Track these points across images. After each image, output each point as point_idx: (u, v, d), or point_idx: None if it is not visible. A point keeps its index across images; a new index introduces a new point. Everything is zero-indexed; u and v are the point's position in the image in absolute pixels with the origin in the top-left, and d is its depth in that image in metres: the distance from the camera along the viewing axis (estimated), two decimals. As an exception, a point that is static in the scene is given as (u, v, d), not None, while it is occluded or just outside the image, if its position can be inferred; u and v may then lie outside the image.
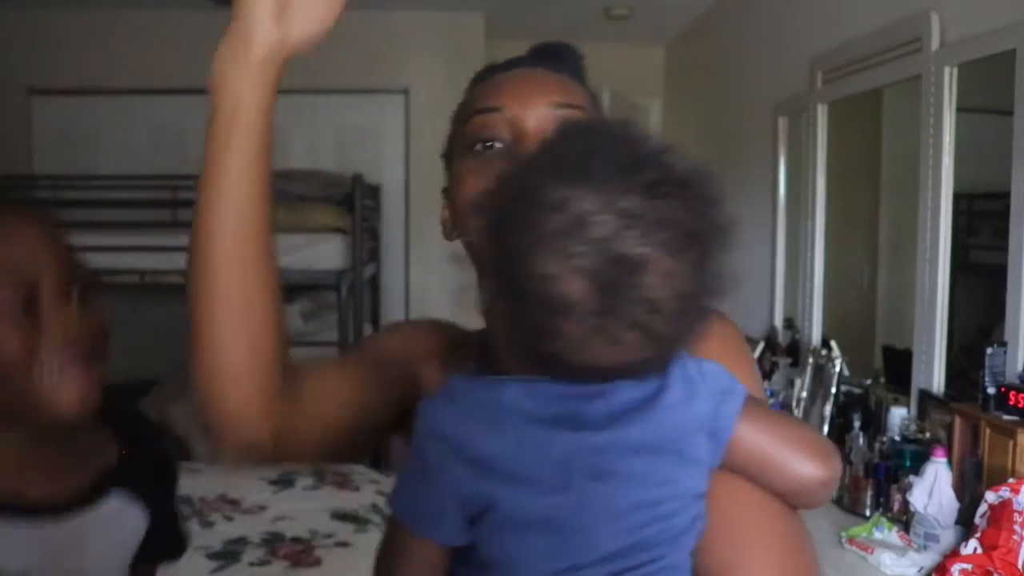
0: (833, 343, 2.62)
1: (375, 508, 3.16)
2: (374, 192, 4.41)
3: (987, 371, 1.83)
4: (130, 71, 4.41)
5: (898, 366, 2.38)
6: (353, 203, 3.80)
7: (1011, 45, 1.87)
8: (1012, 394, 1.74)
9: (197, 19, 4.47)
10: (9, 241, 0.86)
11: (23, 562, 0.86)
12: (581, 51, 0.84)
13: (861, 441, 2.11)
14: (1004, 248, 1.90)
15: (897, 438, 2.08)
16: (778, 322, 3.21)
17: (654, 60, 5.19)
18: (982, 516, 1.63)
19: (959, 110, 2.13)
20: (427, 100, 4.46)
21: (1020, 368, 1.85)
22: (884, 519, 1.85)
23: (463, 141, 0.76)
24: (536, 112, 0.73)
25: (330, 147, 4.63)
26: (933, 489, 1.73)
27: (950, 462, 1.81)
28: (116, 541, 0.95)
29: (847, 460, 2.07)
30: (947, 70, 2.13)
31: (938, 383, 2.18)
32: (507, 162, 0.71)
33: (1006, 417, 1.74)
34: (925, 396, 2.17)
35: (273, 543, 3.04)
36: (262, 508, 2.62)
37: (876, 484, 2.00)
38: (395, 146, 4.64)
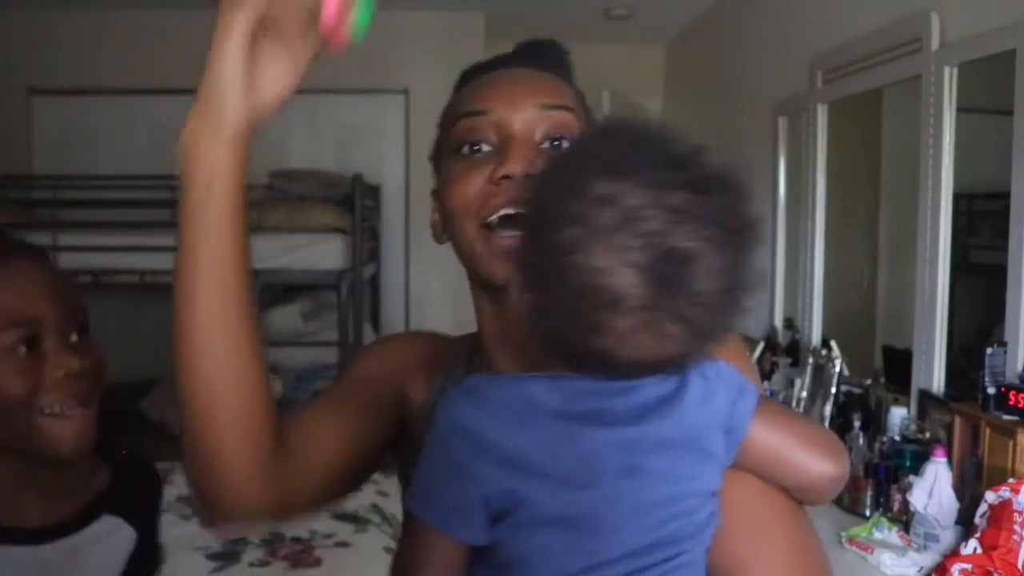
0: (833, 343, 2.62)
1: (375, 508, 3.17)
2: (374, 192, 4.42)
3: (987, 371, 1.83)
4: (130, 71, 4.41)
5: (898, 366, 2.38)
6: (353, 203, 3.81)
7: (1011, 45, 1.87)
8: (1012, 394, 1.74)
9: (197, 19, 4.45)
10: (11, 284, 0.89)
11: None
12: (567, 48, 0.83)
13: (861, 441, 2.11)
14: (1004, 248, 1.90)
15: (897, 438, 2.08)
16: (778, 322, 3.21)
17: (654, 60, 5.19)
18: (982, 516, 1.63)
19: (959, 110, 2.13)
20: (427, 100, 4.46)
21: (1020, 368, 1.85)
22: (884, 519, 1.85)
23: (450, 144, 0.76)
24: (522, 114, 0.73)
25: (330, 147, 4.63)
26: (933, 489, 1.73)
27: (950, 462, 1.81)
28: (109, 559, 0.99)
29: (847, 460, 2.07)
30: (947, 70, 2.13)
31: (938, 383, 2.18)
32: (496, 162, 0.71)
33: (1006, 417, 1.74)
34: (925, 396, 2.17)
35: (273, 543, 3.04)
36: (262, 508, 2.61)
37: (876, 484, 2.00)
38: (395, 146, 4.65)
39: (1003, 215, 1.91)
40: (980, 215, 2.30)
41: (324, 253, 3.81)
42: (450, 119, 0.77)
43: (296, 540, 3.03)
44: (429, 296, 4.65)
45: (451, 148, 0.75)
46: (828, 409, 2.46)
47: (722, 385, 0.64)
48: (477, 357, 0.82)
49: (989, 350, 1.84)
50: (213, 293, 0.63)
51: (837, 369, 2.50)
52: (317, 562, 2.92)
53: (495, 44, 4.64)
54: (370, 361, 0.86)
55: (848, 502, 2.03)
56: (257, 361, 0.67)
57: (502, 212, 0.70)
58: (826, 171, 2.90)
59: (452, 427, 0.62)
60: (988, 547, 1.55)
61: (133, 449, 1.09)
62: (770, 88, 3.34)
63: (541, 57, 0.80)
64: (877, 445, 2.09)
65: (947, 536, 1.74)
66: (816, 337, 2.90)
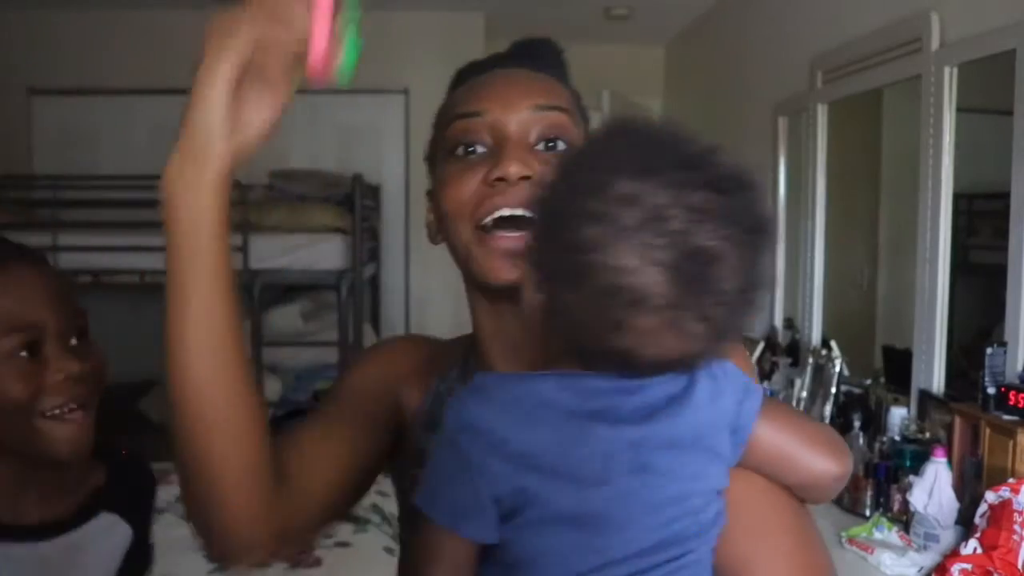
0: (833, 343, 2.62)
1: (375, 508, 3.17)
2: (374, 192, 4.42)
3: (987, 371, 1.83)
4: (130, 71, 4.41)
5: (898, 366, 2.38)
6: (353, 203, 3.80)
7: (1011, 45, 1.87)
8: (1012, 394, 1.74)
9: (197, 19, 4.45)
10: (11, 289, 0.90)
11: None
12: (562, 46, 0.83)
13: (861, 441, 2.11)
14: (1004, 248, 1.90)
15: (897, 438, 2.08)
16: (778, 322, 3.21)
17: (654, 60, 5.19)
18: (982, 516, 1.63)
19: (959, 110, 2.13)
20: (427, 100, 4.43)
21: (1020, 368, 1.85)
22: (884, 519, 1.85)
23: (445, 145, 0.75)
24: (517, 116, 0.73)
25: (330, 147, 4.63)
26: (933, 489, 1.73)
27: (950, 462, 1.81)
28: (106, 555, 1.01)
29: (847, 460, 2.07)
30: (947, 70, 2.13)
31: (938, 383, 2.18)
32: (491, 164, 0.71)
33: (1006, 417, 1.74)
34: (925, 396, 2.17)
35: (273, 543, 3.03)
36: (262, 508, 2.61)
37: (876, 484, 2.00)
38: (395, 146, 4.65)
39: (1003, 215, 1.91)
40: (980, 215, 2.30)
41: (324, 253, 3.81)
42: (445, 120, 0.76)
43: (296, 540, 3.03)
44: (429, 296, 4.65)
45: (446, 149, 0.75)
46: (828, 409, 2.46)
47: (729, 384, 0.64)
48: (472, 358, 0.82)
49: (989, 350, 1.84)
50: (203, 337, 0.62)
51: (837, 369, 2.50)
52: (317, 562, 2.92)
53: (495, 44, 4.62)
54: (362, 372, 0.86)
55: (848, 502, 2.03)
56: (252, 399, 0.66)
57: (497, 214, 0.70)
58: (826, 171, 2.90)
59: (462, 425, 0.62)
60: (988, 547, 1.55)
61: (133, 449, 1.10)
62: (770, 88, 3.34)
63: (536, 57, 0.80)
64: (877, 445, 2.09)
65: (947, 536, 1.74)
66: (816, 337, 2.90)
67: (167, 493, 1.14)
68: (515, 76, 0.76)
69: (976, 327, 2.22)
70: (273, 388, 4.02)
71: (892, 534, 1.79)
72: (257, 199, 3.80)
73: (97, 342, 0.98)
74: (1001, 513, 1.57)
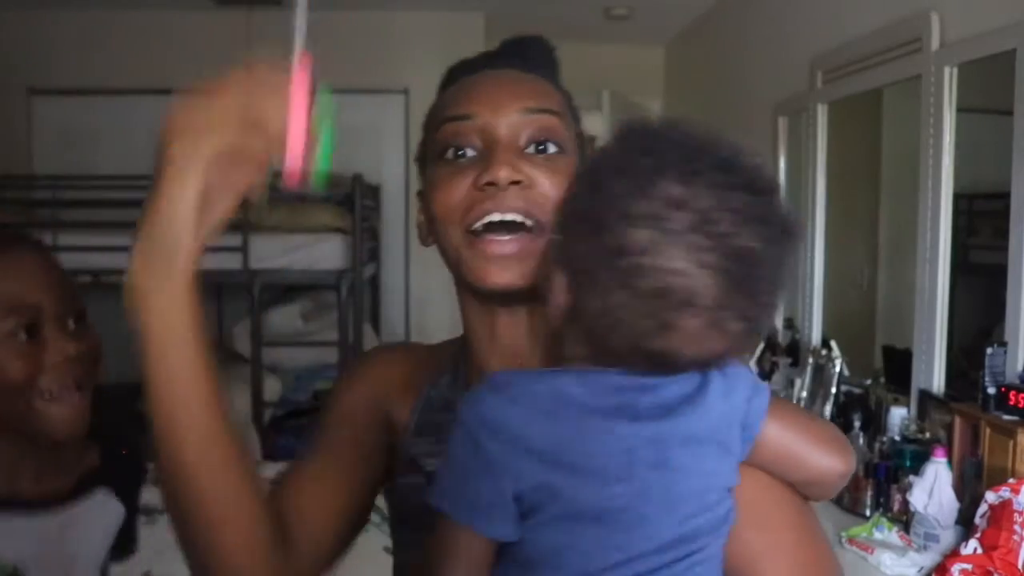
0: (833, 343, 2.62)
1: (375, 508, 3.17)
2: (374, 192, 4.41)
3: (987, 371, 1.83)
4: (130, 71, 4.40)
5: (898, 366, 2.38)
6: (353, 203, 3.80)
7: (1011, 45, 1.87)
8: (1012, 394, 1.74)
9: (197, 19, 4.48)
10: (11, 273, 0.94)
11: (20, 552, 0.94)
12: (553, 44, 0.82)
13: (861, 441, 2.11)
14: (1004, 248, 1.90)
15: (897, 438, 2.08)
16: (778, 322, 3.20)
17: (654, 60, 5.19)
18: (982, 516, 1.63)
19: (959, 110, 2.13)
20: (427, 100, 4.38)
21: (1020, 368, 1.85)
22: (884, 519, 1.85)
23: (435, 148, 0.75)
24: (507, 119, 0.72)
25: (330, 147, 4.62)
26: (933, 489, 1.73)
27: (950, 462, 1.81)
28: (100, 531, 1.04)
29: (847, 460, 2.07)
30: (947, 70, 2.13)
31: (938, 383, 2.18)
32: (481, 168, 0.70)
33: (1006, 417, 1.74)
34: (925, 396, 2.17)
35: (273, 543, 3.03)
36: (262, 508, 2.61)
37: (876, 484, 2.00)
38: (395, 146, 4.64)
39: (1003, 215, 1.91)
40: (980, 215, 2.29)
41: (324, 253, 3.80)
42: (435, 122, 0.76)
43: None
44: (429, 296, 4.65)
45: (436, 152, 0.75)
46: (828, 409, 2.46)
47: (740, 382, 0.65)
48: (464, 362, 0.81)
49: (989, 350, 1.84)
50: (192, 433, 0.63)
51: (837, 369, 2.50)
52: (317, 562, 2.92)
53: (495, 44, 4.62)
54: (349, 397, 0.85)
55: (848, 502, 2.03)
56: (246, 479, 0.66)
57: (487, 219, 0.70)
58: (826, 171, 2.90)
59: (481, 422, 0.61)
60: (988, 547, 1.55)
61: (131, 446, 1.12)
62: (770, 88, 3.33)
63: (527, 58, 0.79)
64: (877, 445, 2.09)
65: (947, 536, 1.74)
66: (816, 337, 2.90)
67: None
68: (505, 78, 0.76)
69: (976, 327, 2.22)
70: (273, 388, 4.02)
71: (892, 534, 1.79)
72: (257, 199, 3.78)
73: (94, 326, 1.01)
74: (1001, 513, 1.57)
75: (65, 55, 4.43)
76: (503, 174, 0.69)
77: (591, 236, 0.59)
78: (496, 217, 0.69)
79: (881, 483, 1.99)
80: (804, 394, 2.61)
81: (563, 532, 0.60)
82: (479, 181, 0.70)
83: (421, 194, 0.79)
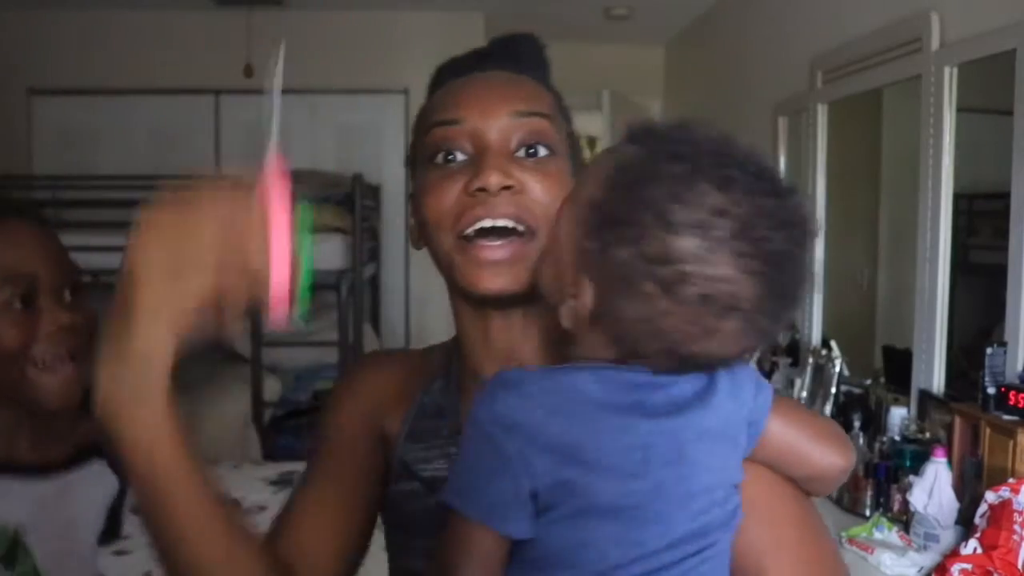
0: (833, 343, 2.62)
1: (375, 508, 3.17)
2: (374, 192, 4.41)
3: (987, 371, 1.83)
4: (130, 71, 4.41)
5: (898, 366, 2.38)
6: (353, 203, 3.80)
7: (1011, 45, 1.87)
8: (1012, 394, 1.74)
9: (197, 19, 4.49)
10: (9, 242, 0.95)
11: (19, 516, 0.97)
12: (543, 43, 0.81)
13: (861, 441, 2.11)
14: (1004, 248, 1.90)
15: (897, 438, 2.08)
16: (778, 322, 3.20)
17: (654, 60, 5.19)
18: (982, 516, 1.63)
19: (959, 110, 2.13)
20: (427, 100, 4.46)
21: (1020, 368, 1.84)
22: (884, 519, 1.85)
23: (425, 152, 0.74)
24: (497, 123, 0.71)
25: (330, 147, 4.62)
26: (933, 489, 1.73)
27: (950, 462, 1.81)
28: (96, 500, 1.06)
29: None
30: (947, 70, 2.13)
31: (938, 383, 2.18)
32: (471, 173, 0.70)
33: (1006, 417, 1.74)
34: (925, 396, 2.17)
35: (273, 543, 3.03)
36: (262, 508, 2.61)
37: (876, 484, 2.00)
38: (395, 146, 4.64)
39: (1003, 215, 1.90)
40: (980, 215, 2.29)
41: (324, 253, 3.80)
42: (424, 126, 0.75)
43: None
44: (429, 296, 4.65)
45: (426, 156, 0.74)
46: (828, 409, 2.46)
47: (746, 379, 0.65)
48: (456, 366, 0.81)
49: (989, 350, 1.84)
50: (184, 519, 0.63)
51: (837, 369, 2.50)
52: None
53: (495, 44, 4.64)
54: (341, 418, 0.84)
55: (848, 502, 2.03)
56: (241, 543, 0.68)
57: (479, 225, 0.69)
58: (826, 171, 2.90)
59: (495, 419, 0.61)
60: (988, 547, 1.55)
61: None
62: (770, 88, 3.34)
63: (517, 58, 0.78)
64: (877, 445, 2.09)
65: (947, 536, 1.74)
66: (816, 337, 2.90)
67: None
68: (494, 81, 0.75)
69: (976, 327, 2.22)
70: (273, 388, 4.02)
71: (892, 534, 1.79)
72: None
73: (90, 296, 1.03)
74: (1001, 513, 1.57)
75: (65, 55, 4.43)
76: (494, 180, 0.68)
77: (629, 244, 0.59)
78: (488, 223, 0.69)
79: (881, 483, 1.99)
80: (804, 394, 2.61)
81: (578, 529, 0.60)
82: (470, 187, 0.69)
83: (412, 197, 0.78)
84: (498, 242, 0.69)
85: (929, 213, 2.19)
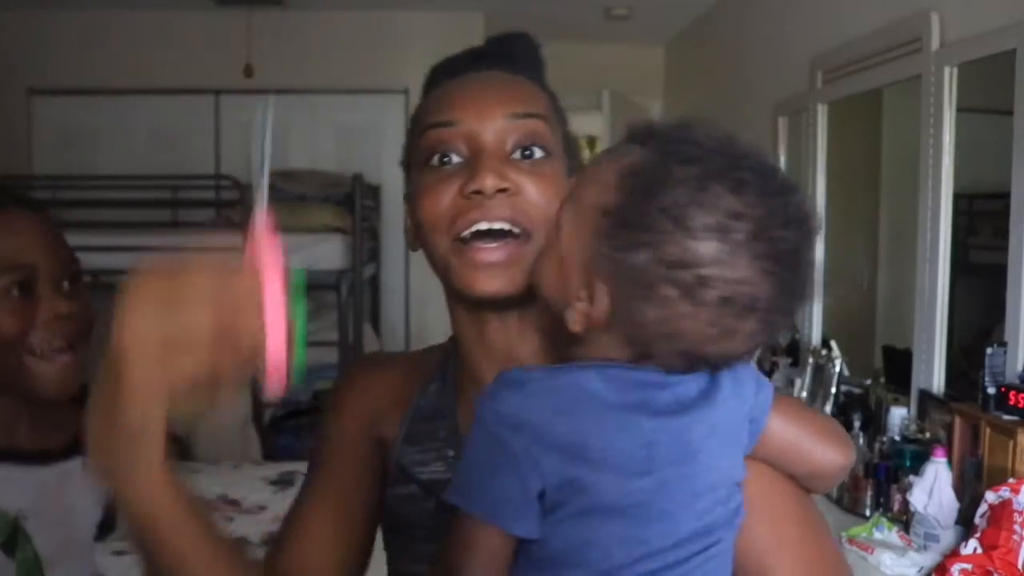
0: (833, 343, 2.62)
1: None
2: (374, 192, 4.41)
3: (987, 371, 1.83)
4: (130, 71, 4.41)
5: (898, 366, 2.38)
6: (353, 203, 3.80)
7: (1011, 45, 1.87)
8: (1012, 394, 1.74)
9: (197, 19, 4.49)
10: (9, 231, 0.96)
11: (18, 502, 0.98)
12: (538, 42, 0.81)
13: (861, 441, 2.11)
14: (1004, 248, 1.90)
15: (897, 438, 2.08)
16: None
17: (654, 60, 5.19)
18: (982, 516, 1.63)
19: (959, 110, 2.13)
20: (427, 100, 4.46)
21: (1020, 368, 1.84)
22: (884, 519, 1.85)
23: (419, 154, 0.74)
24: (493, 125, 0.71)
25: (330, 147, 4.63)
26: (933, 489, 1.73)
27: (950, 462, 1.81)
28: (96, 489, 1.05)
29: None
30: (947, 70, 2.13)
31: (938, 383, 2.18)
32: (467, 175, 0.70)
33: (1006, 417, 1.74)
34: (925, 396, 2.17)
35: (273, 543, 3.03)
36: (262, 508, 2.62)
37: (876, 484, 2.00)
38: (395, 146, 4.53)
39: (1003, 215, 1.90)
40: (980, 215, 2.29)
41: (324, 253, 3.80)
42: (419, 128, 0.75)
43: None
44: (429, 296, 4.64)
45: (420, 158, 0.73)
46: (828, 409, 2.46)
47: (747, 377, 0.65)
48: (453, 368, 0.81)
49: (989, 350, 1.84)
50: (187, 561, 0.63)
51: (837, 369, 2.50)
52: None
53: (495, 44, 4.64)
54: (344, 416, 0.84)
55: (848, 502, 2.03)
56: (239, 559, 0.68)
57: (475, 227, 0.69)
58: (826, 171, 2.90)
59: (501, 419, 0.61)
60: (988, 547, 1.55)
61: None
62: (770, 88, 3.34)
63: (512, 59, 0.78)
64: (877, 445, 2.09)
65: (947, 536, 1.74)
66: (816, 337, 2.90)
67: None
68: (489, 82, 0.75)
69: (976, 327, 2.22)
70: (273, 388, 4.02)
71: (892, 534, 1.79)
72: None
73: (87, 287, 1.04)
74: (1001, 513, 1.57)
75: (65, 55, 4.43)
76: (490, 182, 0.68)
77: (646, 249, 0.58)
78: (484, 226, 0.69)
79: (881, 483, 1.99)
80: (804, 394, 2.61)
81: (585, 528, 0.60)
82: (465, 189, 0.69)
83: (408, 199, 0.78)
84: (494, 244, 0.69)
85: (929, 213, 2.19)
